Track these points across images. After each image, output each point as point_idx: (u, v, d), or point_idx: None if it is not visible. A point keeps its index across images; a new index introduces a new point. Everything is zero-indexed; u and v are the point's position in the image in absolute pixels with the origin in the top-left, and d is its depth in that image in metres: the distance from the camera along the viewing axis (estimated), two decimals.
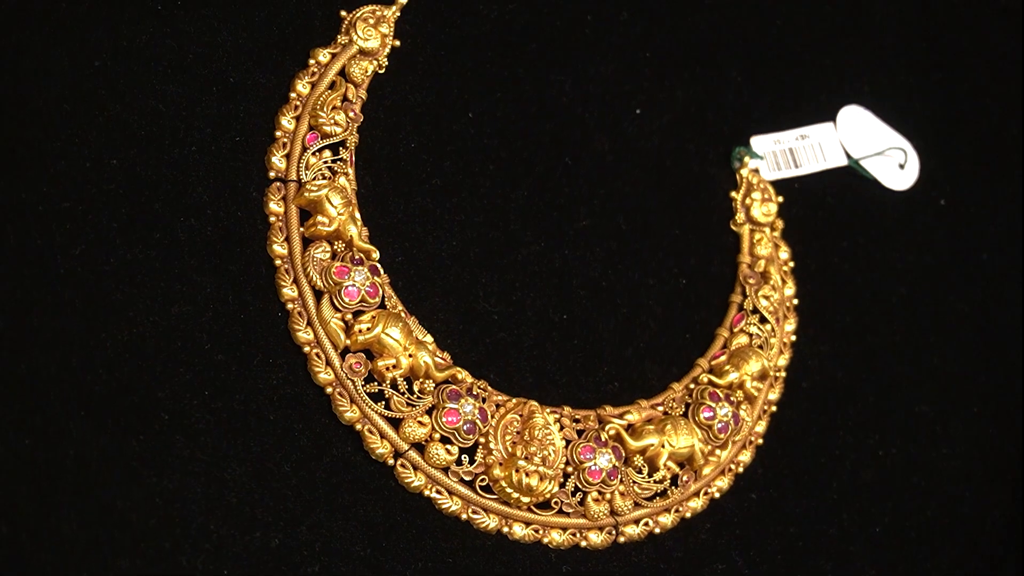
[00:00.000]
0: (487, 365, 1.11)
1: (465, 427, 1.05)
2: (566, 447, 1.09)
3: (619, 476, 1.10)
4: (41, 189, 0.99)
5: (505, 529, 1.07)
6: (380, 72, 1.13)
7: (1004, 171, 1.42)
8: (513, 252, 1.16)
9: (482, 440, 1.06)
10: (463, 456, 1.06)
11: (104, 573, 0.94)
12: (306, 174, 1.07)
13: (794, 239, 1.28)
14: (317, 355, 1.03)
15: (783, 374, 1.23)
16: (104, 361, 0.98)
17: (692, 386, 1.17)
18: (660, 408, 1.15)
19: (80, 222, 1.00)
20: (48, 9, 1.03)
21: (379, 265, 1.07)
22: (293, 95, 1.09)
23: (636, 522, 1.12)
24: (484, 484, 1.06)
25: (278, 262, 1.05)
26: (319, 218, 1.05)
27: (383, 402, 1.04)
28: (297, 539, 1.00)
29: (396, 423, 1.04)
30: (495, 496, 1.06)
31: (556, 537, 1.08)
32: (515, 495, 1.06)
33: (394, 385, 1.05)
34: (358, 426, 1.03)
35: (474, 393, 1.07)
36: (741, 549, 1.17)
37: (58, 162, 1.00)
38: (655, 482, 1.12)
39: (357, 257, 1.05)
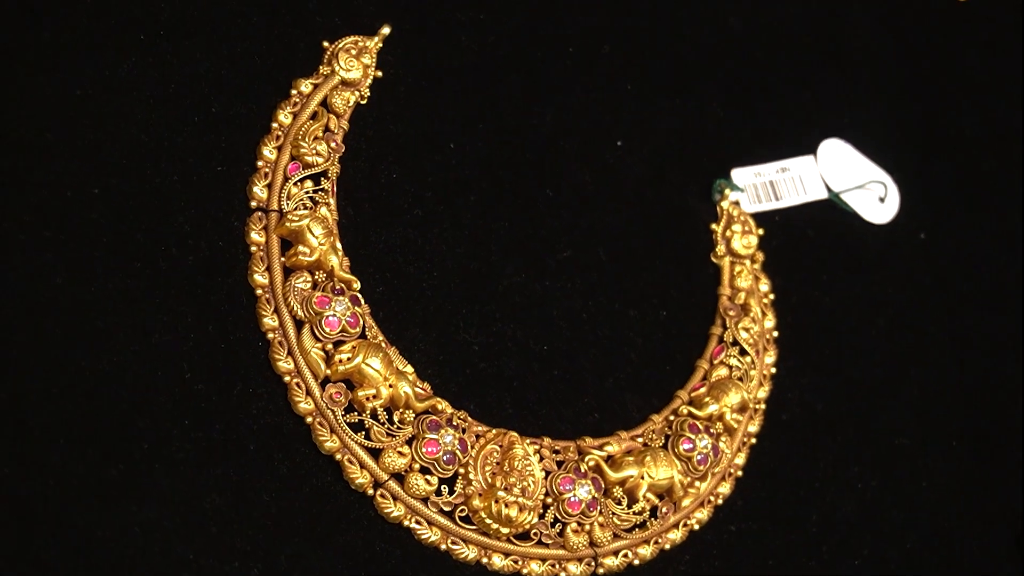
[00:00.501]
0: (467, 396, 1.12)
1: (445, 458, 1.06)
2: (546, 478, 1.09)
3: (598, 507, 1.11)
4: (23, 218, 1.00)
5: (484, 560, 1.07)
6: (362, 103, 1.14)
7: (983, 205, 1.44)
8: (494, 283, 1.17)
9: (462, 471, 1.07)
10: (443, 486, 1.07)
11: None
12: (287, 204, 1.07)
13: (774, 271, 1.29)
14: (297, 385, 1.04)
15: (763, 406, 1.24)
16: (84, 389, 0.98)
17: (672, 418, 1.18)
18: (640, 439, 1.16)
19: (61, 251, 1.00)
20: (30, 38, 1.04)
21: (360, 295, 1.08)
22: (275, 125, 1.10)
23: (615, 553, 1.12)
24: (464, 515, 1.07)
25: (259, 292, 1.05)
26: (300, 248, 1.06)
27: (363, 432, 1.05)
28: (276, 569, 1.01)
29: (376, 453, 1.05)
30: (475, 527, 1.07)
31: (535, 568, 1.09)
32: (494, 526, 1.06)
33: (374, 415, 1.06)
34: (338, 456, 1.04)
35: (454, 424, 1.07)
36: None
37: (40, 191, 1.01)
38: (634, 513, 1.13)
39: (338, 287, 1.06)
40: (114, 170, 1.04)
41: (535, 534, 1.09)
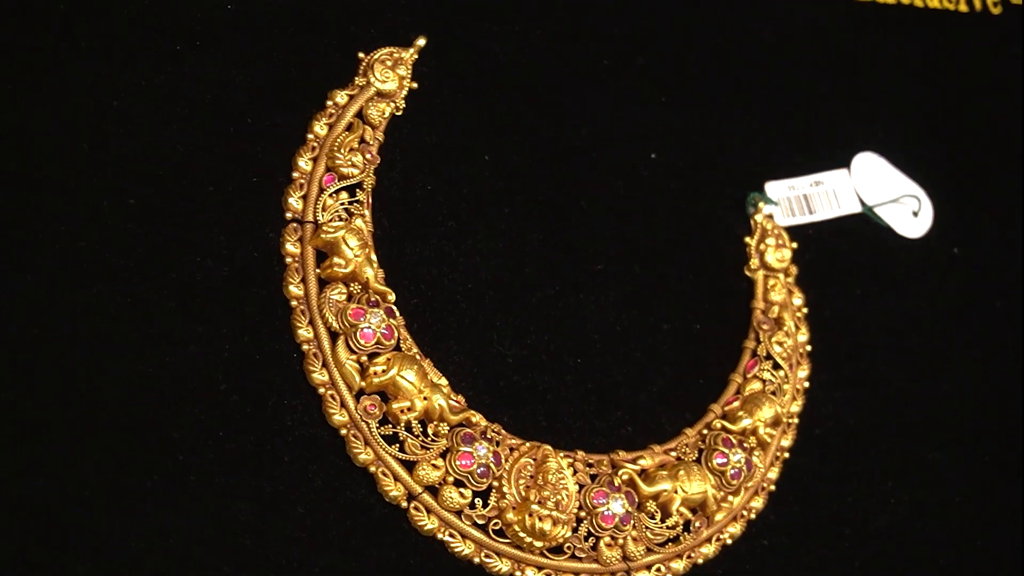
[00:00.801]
0: (501, 408, 1.11)
1: (479, 470, 1.05)
2: (579, 492, 1.09)
3: (632, 521, 1.10)
4: (58, 227, 1.00)
5: (517, 573, 1.06)
6: (397, 114, 1.14)
7: (1016, 220, 1.42)
8: (528, 295, 1.16)
9: (496, 484, 1.06)
10: (477, 499, 1.06)
11: None
12: (323, 215, 1.07)
13: (808, 285, 1.28)
14: (332, 396, 1.04)
15: (796, 420, 1.23)
16: (118, 400, 0.98)
17: (705, 432, 1.17)
18: (673, 453, 1.15)
19: (97, 261, 1.00)
20: (68, 48, 1.04)
21: (395, 307, 1.07)
22: (310, 136, 1.10)
23: (648, 568, 1.11)
24: (497, 528, 1.06)
25: (294, 303, 1.05)
26: (335, 260, 1.05)
27: (397, 444, 1.04)
28: None
29: (410, 465, 1.04)
30: (508, 540, 1.06)
31: None
32: (528, 539, 1.05)
33: (408, 427, 1.05)
34: (372, 468, 1.04)
35: (488, 436, 1.07)
36: None
37: (76, 200, 1.01)
38: (668, 528, 1.12)
39: (373, 299, 1.06)
40: (149, 180, 1.04)
41: (568, 548, 1.08)
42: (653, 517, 1.11)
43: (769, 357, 1.23)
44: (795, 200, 1.30)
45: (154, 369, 0.99)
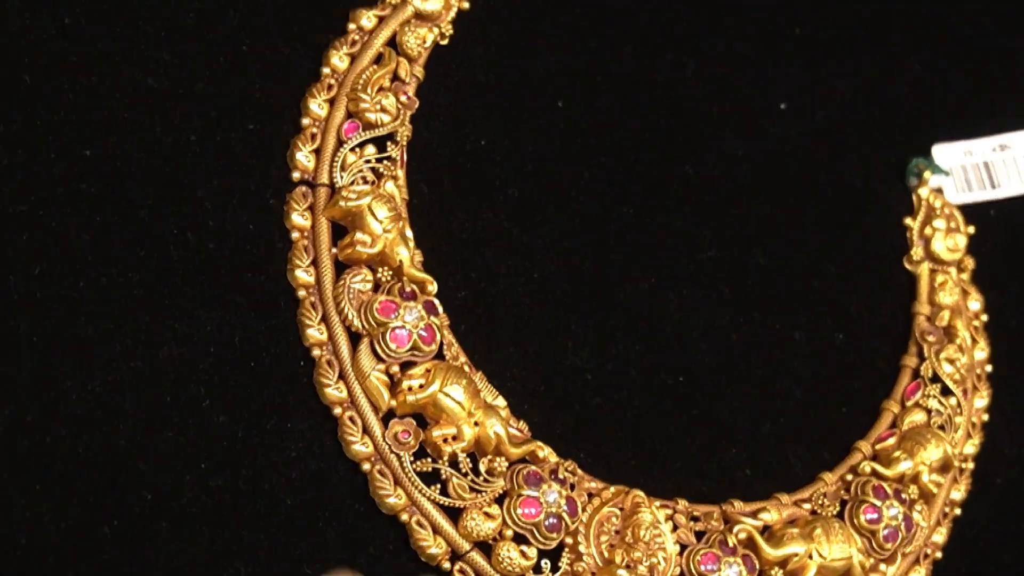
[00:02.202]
0: (576, 440, 1.11)
1: (548, 522, 1.04)
2: (681, 554, 1.08)
3: None
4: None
5: None
6: (442, 43, 1.14)
7: None
8: (613, 290, 1.16)
9: (570, 540, 1.05)
10: (544, 561, 1.04)
11: None
12: (342, 177, 1.06)
13: (989, 284, 1.28)
14: (351, 419, 1.03)
15: (971, 465, 1.22)
16: (68, 420, 0.97)
17: (850, 477, 1.17)
18: (807, 505, 1.15)
19: (41, 233, 0.99)
20: None
21: (436, 301, 1.07)
22: (326, 71, 1.09)
23: None
24: None
25: (302, 293, 1.04)
26: (358, 236, 1.05)
27: (438, 485, 1.03)
28: None
29: (455, 514, 1.03)
30: None
31: None
32: None
33: (454, 463, 1.04)
34: (404, 516, 1.03)
35: (560, 477, 1.06)
36: None
37: (13, 152, 1.00)
38: None
39: (408, 289, 1.05)
40: (111, 126, 1.03)
41: None
42: None
43: (936, 379, 1.22)
44: (972, 169, 1.30)
45: (114, 378, 0.99)
